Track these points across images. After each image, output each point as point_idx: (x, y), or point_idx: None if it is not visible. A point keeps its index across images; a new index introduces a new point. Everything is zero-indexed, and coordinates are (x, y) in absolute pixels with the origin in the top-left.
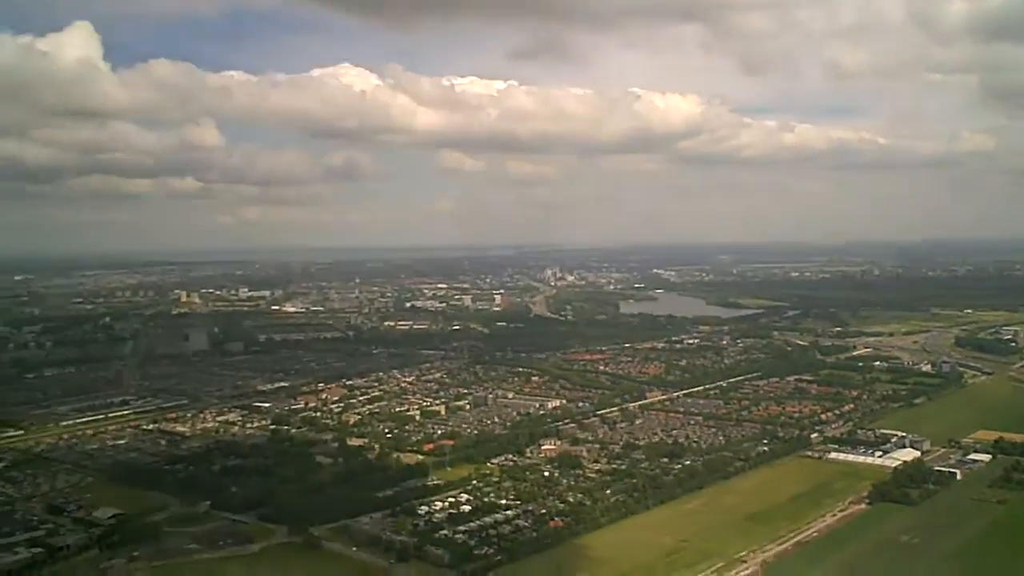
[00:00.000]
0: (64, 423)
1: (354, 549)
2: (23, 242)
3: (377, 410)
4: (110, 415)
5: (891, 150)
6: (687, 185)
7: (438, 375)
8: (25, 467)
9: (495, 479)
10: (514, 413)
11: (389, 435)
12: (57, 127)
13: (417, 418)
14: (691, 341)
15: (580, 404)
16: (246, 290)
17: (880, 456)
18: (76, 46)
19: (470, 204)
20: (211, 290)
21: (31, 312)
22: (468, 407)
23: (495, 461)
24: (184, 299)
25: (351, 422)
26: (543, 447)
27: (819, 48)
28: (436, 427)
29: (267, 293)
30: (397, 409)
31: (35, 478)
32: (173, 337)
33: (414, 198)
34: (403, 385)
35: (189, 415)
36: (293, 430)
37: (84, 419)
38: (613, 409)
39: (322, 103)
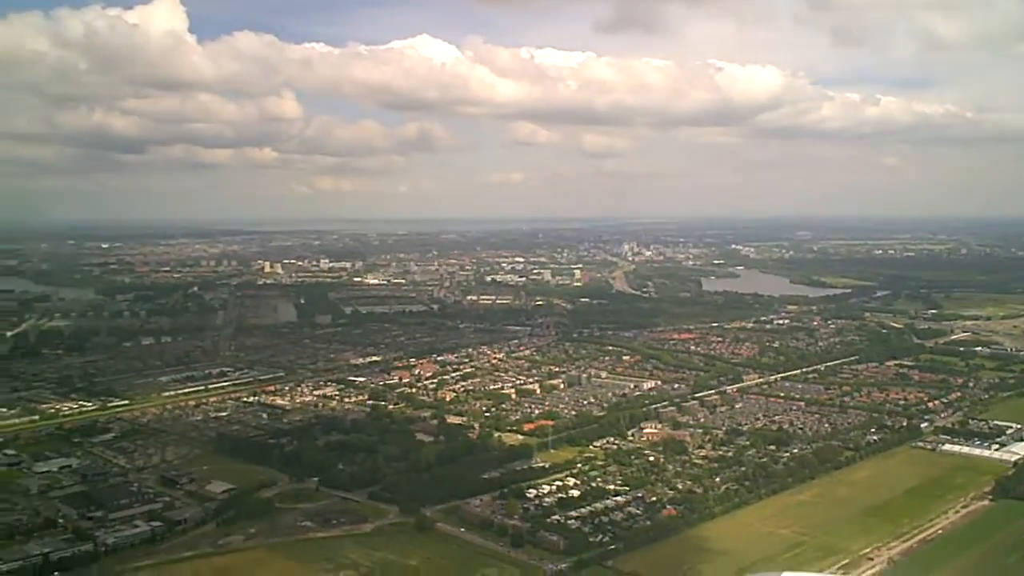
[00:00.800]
0: (166, 394)
1: (466, 531)
2: (110, 210)
3: (471, 387)
4: (210, 386)
5: (978, 124)
6: (764, 159)
7: (527, 352)
8: (134, 438)
9: (600, 463)
10: (609, 393)
11: (487, 414)
12: (143, 98)
13: (513, 396)
14: (780, 322)
15: (676, 386)
16: (327, 261)
17: (997, 449)
18: (163, 18)
19: (543, 176)
20: (292, 260)
21: (122, 280)
22: (563, 386)
23: (597, 444)
24: (267, 269)
25: (447, 399)
26: (645, 431)
27: (912, 18)
28: (533, 406)
29: (348, 265)
30: (491, 387)
31: (145, 449)
32: (262, 308)
33: (487, 170)
34: (494, 362)
35: (287, 388)
36: (391, 406)
37: (185, 390)
38: (711, 392)
39: (400, 75)
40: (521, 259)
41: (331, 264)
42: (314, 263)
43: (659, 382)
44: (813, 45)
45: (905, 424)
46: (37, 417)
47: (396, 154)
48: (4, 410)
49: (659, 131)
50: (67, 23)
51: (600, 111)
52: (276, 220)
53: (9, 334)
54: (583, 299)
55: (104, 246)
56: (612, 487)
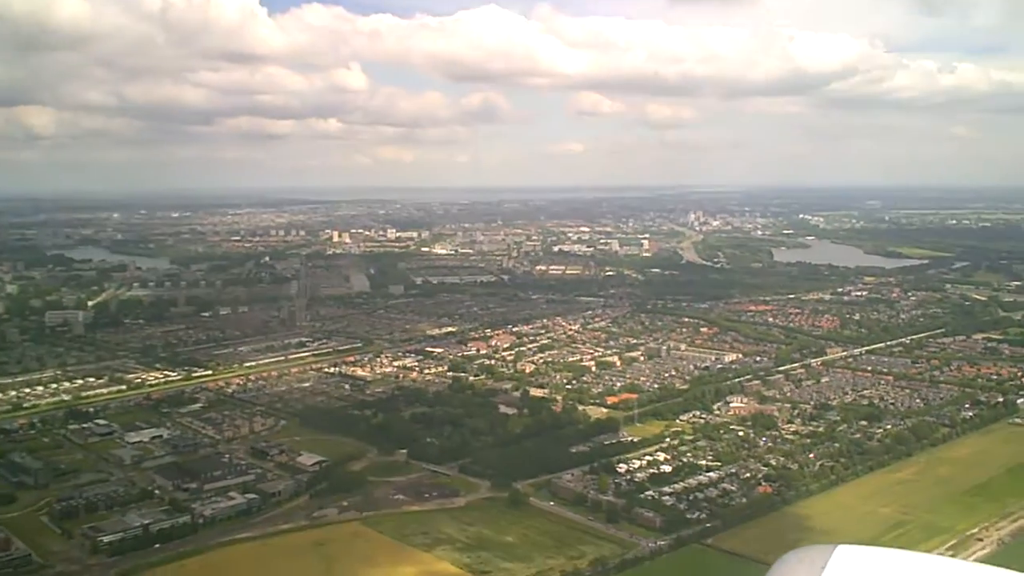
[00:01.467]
0: (248, 364)
1: (559, 506)
2: (177, 181)
3: (550, 359)
4: (290, 356)
5: None
6: (831, 128)
7: (603, 323)
8: (221, 408)
9: (689, 437)
10: (691, 366)
11: (568, 386)
12: (215, 71)
13: (593, 369)
14: (858, 293)
15: (758, 359)
16: (393, 231)
17: None
18: None
19: (604, 146)
20: (359, 230)
21: (195, 250)
22: (642, 358)
23: (684, 418)
24: (336, 239)
25: (527, 371)
26: (731, 405)
27: None
28: (614, 379)
29: (414, 234)
30: (570, 359)
31: (232, 420)
32: (334, 278)
33: (548, 140)
34: (570, 333)
35: (366, 359)
36: (471, 378)
37: (266, 360)
38: (795, 366)
39: (467, 46)
40: (586, 229)
41: (398, 234)
42: (381, 233)
43: (740, 355)
44: (889, 12)
45: (1001, 400)
46: (124, 387)
47: (459, 125)
48: (92, 380)
49: (726, 101)
50: None
51: (669, 81)
52: (339, 190)
53: (91, 303)
54: (653, 269)
55: (174, 215)
56: (704, 463)
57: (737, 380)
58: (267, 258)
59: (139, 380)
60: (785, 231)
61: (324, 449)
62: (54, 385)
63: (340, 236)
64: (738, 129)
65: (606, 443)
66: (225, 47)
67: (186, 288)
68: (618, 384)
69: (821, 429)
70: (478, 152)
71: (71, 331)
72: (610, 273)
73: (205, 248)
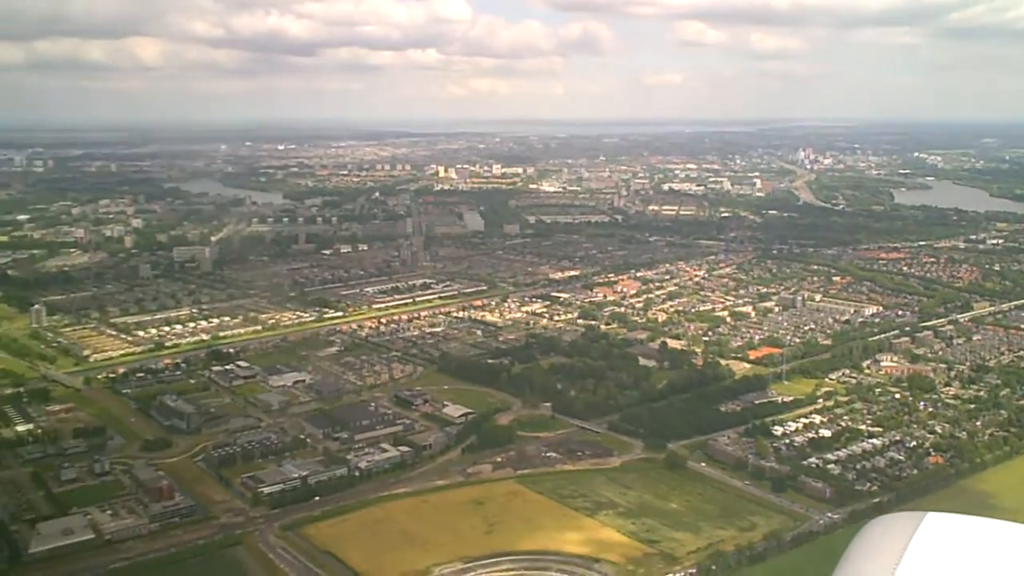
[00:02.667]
0: (376, 306)
1: (718, 471)
2: (275, 111)
3: (681, 307)
4: (417, 299)
5: None
6: (944, 59)
7: (728, 269)
8: (357, 352)
9: (842, 399)
10: (829, 319)
11: (706, 338)
12: (320, 1)
13: (728, 319)
14: (993, 241)
15: (900, 313)
16: (498, 166)
17: None
18: None
19: (704, 78)
20: (463, 165)
21: (305, 184)
22: (777, 309)
23: (832, 376)
24: (441, 174)
25: (660, 320)
26: (882, 364)
27: None
28: (751, 331)
29: (519, 170)
30: (701, 307)
31: (371, 366)
32: (447, 215)
33: (646, 71)
34: (696, 279)
35: (493, 303)
36: (603, 326)
37: (395, 302)
38: (941, 321)
39: None
40: (693, 166)
41: (503, 169)
42: (486, 168)
43: (880, 307)
44: None
45: None
46: (260, 328)
47: (557, 55)
48: (227, 319)
49: (836, 31)
50: None
51: (779, 10)
52: (435, 122)
53: (214, 239)
54: (770, 211)
55: (280, 148)
56: (864, 427)
57: (882, 336)
58: (377, 193)
59: (273, 320)
60: (901, 171)
61: (467, 400)
62: (191, 324)
63: (446, 171)
64: (845, 61)
65: (756, 402)
66: None
67: (303, 224)
68: (756, 337)
69: (983, 394)
70: (574, 84)
71: (199, 267)
72: (726, 214)
73: (315, 182)
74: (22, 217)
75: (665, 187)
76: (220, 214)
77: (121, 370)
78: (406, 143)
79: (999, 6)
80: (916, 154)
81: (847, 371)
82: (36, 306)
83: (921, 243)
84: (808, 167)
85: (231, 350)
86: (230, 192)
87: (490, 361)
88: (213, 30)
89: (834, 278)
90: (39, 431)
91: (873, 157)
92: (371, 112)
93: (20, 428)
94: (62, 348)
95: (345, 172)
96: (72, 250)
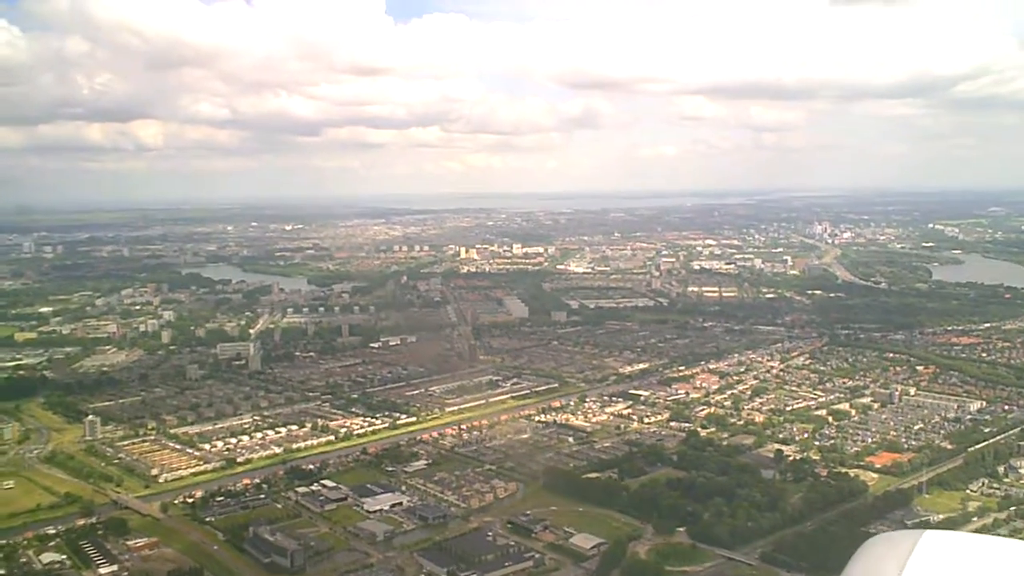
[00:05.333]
0: (449, 408)
1: None
2: (275, 188)
3: (772, 405)
4: (490, 400)
5: None
6: (939, 129)
7: (801, 359)
8: (448, 467)
9: (1000, 516)
10: (936, 417)
11: (817, 442)
12: (334, 83)
13: (830, 420)
14: None
15: (1006, 407)
16: (519, 245)
17: None
18: (361, 2)
19: (698, 150)
20: (483, 245)
21: (326, 268)
22: (876, 406)
23: (973, 488)
24: (463, 255)
25: (758, 421)
26: (1020, 470)
27: None
28: (859, 432)
29: (540, 249)
30: (794, 404)
31: (470, 483)
32: (484, 301)
33: (641, 144)
34: (775, 372)
35: (571, 403)
36: (699, 429)
37: (467, 404)
38: None
39: (585, 52)
40: (712, 242)
41: (524, 249)
42: (505, 248)
43: (983, 402)
44: None
45: None
46: (332, 438)
47: (556, 131)
48: (294, 427)
49: (838, 104)
50: (266, 10)
51: (785, 84)
52: (431, 197)
53: (252, 332)
54: (815, 291)
55: (288, 228)
56: None
57: (1002, 436)
58: (405, 277)
59: (344, 428)
60: (925, 243)
61: (588, 524)
62: (258, 435)
63: (467, 252)
64: (842, 132)
65: (907, 522)
66: (350, 60)
67: (340, 313)
68: (868, 440)
69: None
70: (570, 158)
71: (248, 366)
72: (770, 295)
73: (336, 265)
74: (45, 309)
75: (695, 266)
76: (250, 303)
77: (198, 493)
78: (414, 221)
79: (1005, 77)
80: (931, 225)
81: (986, 480)
82: (90, 417)
83: (986, 324)
84: (829, 241)
85: (310, 466)
86: (251, 277)
87: (595, 475)
88: (218, 111)
89: (918, 368)
90: (126, 575)
91: (889, 229)
92: (368, 188)
93: (104, 571)
94: (125, 466)
95: (364, 254)
96: (107, 347)
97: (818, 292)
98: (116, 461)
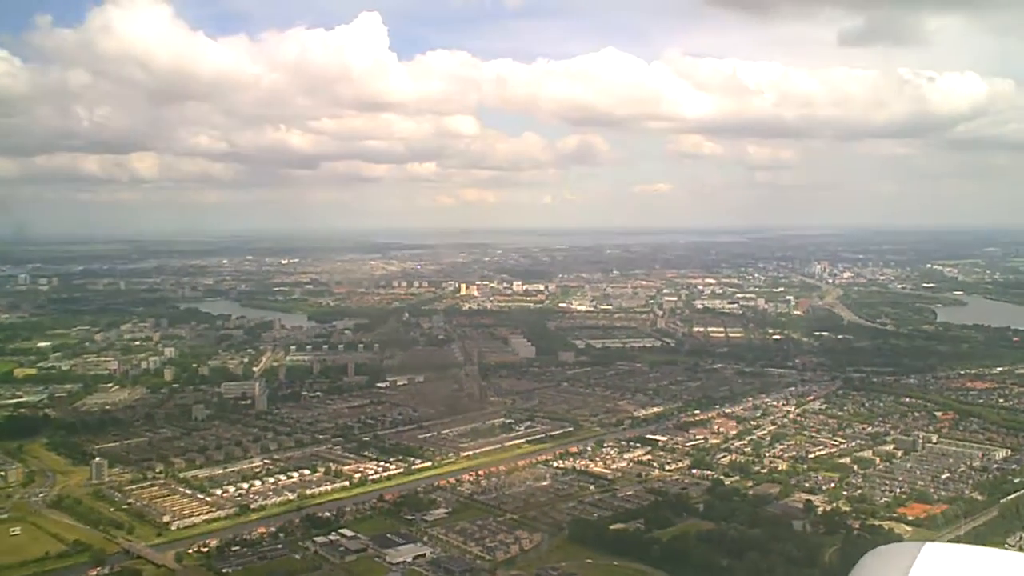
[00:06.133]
0: (465, 453)
1: None
2: (267, 221)
3: (792, 452)
4: (506, 444)
5: None
6: (932, 168)
7: (817, 404)
8: (469, 515)
9: None
10: (961, 465)
11: (845, 492)
12: (335, 117)
13: (854, 467)
14: None
15: None
16: (519, 283)
17: None
18: (364, 38)
19: (691, 187)
20: (482, 282)
21: (326, 304)
22: (899, 453)
23: (1011, 542)
24: (463, 291)
25: (781, 469)
26: None
27: None
28: (886, 481)
29: (540, 286)
30: (815, 451)
31: (494, 534)
32: (489, 340)
33: (635, 181)
34: (791, 417)
35: (588, 448)
36: (722, 477)
37: (483, 449)
38: None
39: (587, 90)
40: (712, 280)
41: (524, 286)
42: (505, 284)
43: (1008, 450)
44: None
45: None
46: (347, 483)
47: (553, 167)
48: (306, 472)
49: (834, 143)
50: (271, 45)
51: (787, 123)
52: (423, 232)
53: (256, 370)
54: (821, 332)
55: (283, 262)
56: None
57: None
58: (406, 314)
59: (358, 474)
60: (925, 284)
61: None
62: (270, 479)
63: (467, 288)
64: (837, 170)
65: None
66: (353, 95)
67: (344, 351)
68: (897, 490)
69: None
70: (564, 193)
71: (254, 406)
72: (777, 336)
73: (335, 301)
74: (43, 344)
75: (698, 305)
76: (252, 340)
77: (213, 542)
78: (410, 256)
79: (1002, 119)
80: (929, 265)
81: (1022, 533)
82: (96, 459)
83: (999, 368)
84: (830, 281)
85: (327, 514)
86: (250, 313)
87: (622, 526)
88: (216, 144)
89: (936, 414)
90: None
91: (887, 269)
92: (361, 222)
93: None
94: (135, 512)
95: (363, 290)
96: (109, 385)
97: (825, 333)
98: (125, 506)
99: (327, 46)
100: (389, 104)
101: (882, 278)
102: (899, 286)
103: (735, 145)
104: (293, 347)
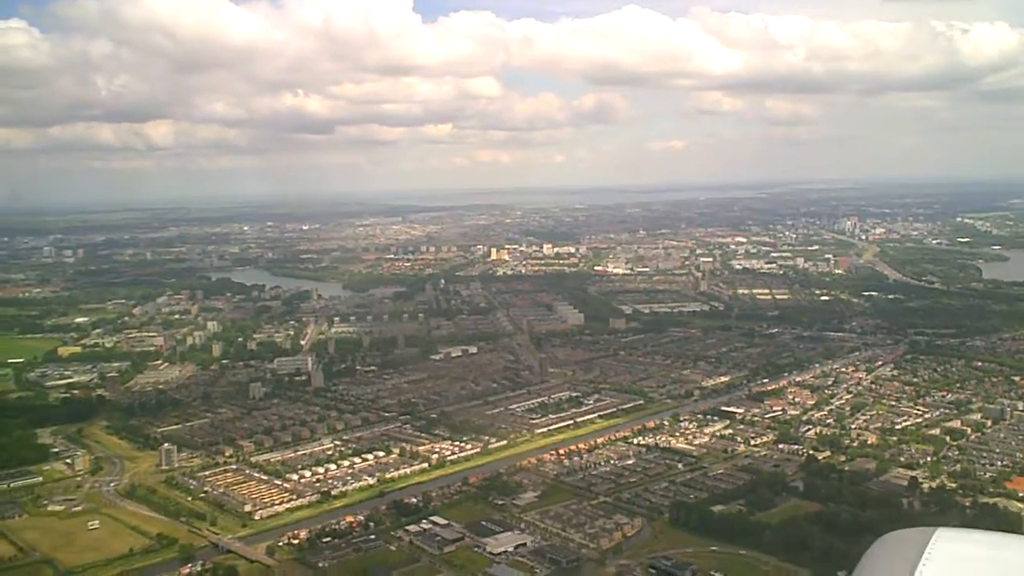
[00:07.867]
0: (538, 431)
1: None
2: (281, 186)
3: (878, 423)
4: (577, 420)
5: None
6: (959, 122)
7: (888, 370)
8: (560, 499)
9: None
10: None
11: (945, 466)
12: (357, 83)
13: (946, 439)
14: None
15: None
16: (549, 245)
17: None
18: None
19: (708, 143)
20: (512, 245)
21: (358, 271)
22: (989, 423)
23: None
24: (494, 256)
25: (871, 442)
26: None
27: None
28: (983, 454)
29: (572, 248)
30: (900, 421)
31: (590, 519)
32: (533, 307)
33: (651, 138)
34: (865, 384)
35: (665, 422)
36: (811, 451)
37: (557, 425)
38: None
39: (611, 48)
40: (742, 239)
41: (555, 249)
42: (536, 248)
43: None
44: None
45: None
46: (425, 465)
47: (570, 126)
48: (381, 454)
49: (857, 97)
50: (295, 10)
51: (813, 76)
52: (439, 193)
53: (303, 344)
54: (869, 292)
55: (304, 227)
56: None
57: None
58: (442, 281)
59: (435, 455)
60: (960, 239)
61: (737, 569)
62: (345, 462)
63: (497, 253)
64: (856, 124)
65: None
66: (377, 59)
67: (389, 322)
68: (998, 463)
69: None
70: (575, 152)
71: (310, 383)
72: (825, 297)
73: (366, 268)
74: (81, 320)
75: (736, 266)
76: (291, 311)
77: (302, 533)
78: (430, 219)
79: None
80: (959, 218)
81: None
82: (166, 445)
83: None
84: (862, 237)
85: (413, 499)
86: (283, 282)
87: (723, 508)
88: (231, 111)
89: (1013, 378)
90: None
91: (918, 224)
92: (374, 185)
93: None
94: (214, 501)
95: (392, 256)
96: (158, 362)
97: (874, 293)
98: (202, 495)
99: (352, 10)
100: (412, 67)
101: (915, 233)
102: (934, 241)
103: (755, 101)
104: (336, 318)
